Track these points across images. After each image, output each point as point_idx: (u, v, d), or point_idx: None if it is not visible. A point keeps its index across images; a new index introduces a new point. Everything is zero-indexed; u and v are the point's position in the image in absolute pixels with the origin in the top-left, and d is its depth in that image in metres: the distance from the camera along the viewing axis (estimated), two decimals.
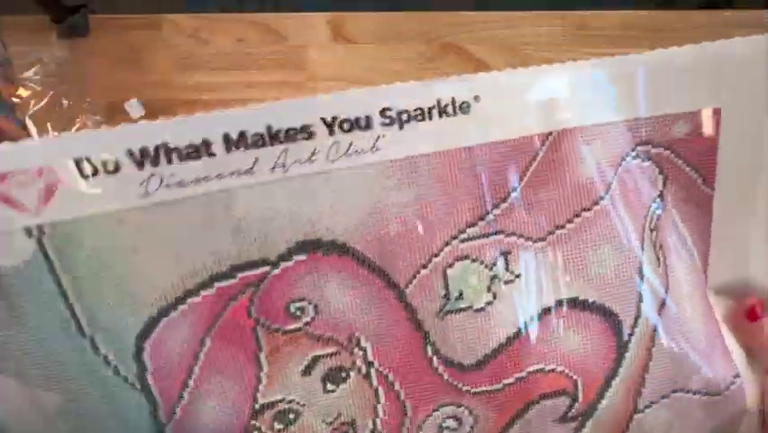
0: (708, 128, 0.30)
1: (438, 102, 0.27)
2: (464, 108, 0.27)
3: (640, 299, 0.29)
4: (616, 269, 0.29)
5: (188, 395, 0.26)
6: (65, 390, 0.25)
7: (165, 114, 0.42)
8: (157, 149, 0.24)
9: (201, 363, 0.26)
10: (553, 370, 0.29)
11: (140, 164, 0.23)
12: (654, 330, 0.29)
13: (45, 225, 0.23)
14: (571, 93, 0.29)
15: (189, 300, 0.25)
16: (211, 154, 0.24)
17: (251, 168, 0.25)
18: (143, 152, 0.24)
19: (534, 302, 0.28)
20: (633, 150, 0.30)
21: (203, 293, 0.25)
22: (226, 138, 0.24)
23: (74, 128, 0.41)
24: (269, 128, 0.25)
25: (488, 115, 0.28)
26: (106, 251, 0.24)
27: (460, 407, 0.28)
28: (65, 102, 0.41)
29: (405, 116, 0.26)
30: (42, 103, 0.41)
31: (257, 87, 0.42)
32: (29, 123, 0.40)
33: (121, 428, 0.27)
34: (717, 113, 0.30)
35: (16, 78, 0.41)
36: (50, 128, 0.40)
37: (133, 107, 0.41)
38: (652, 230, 0.30)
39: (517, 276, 0.28)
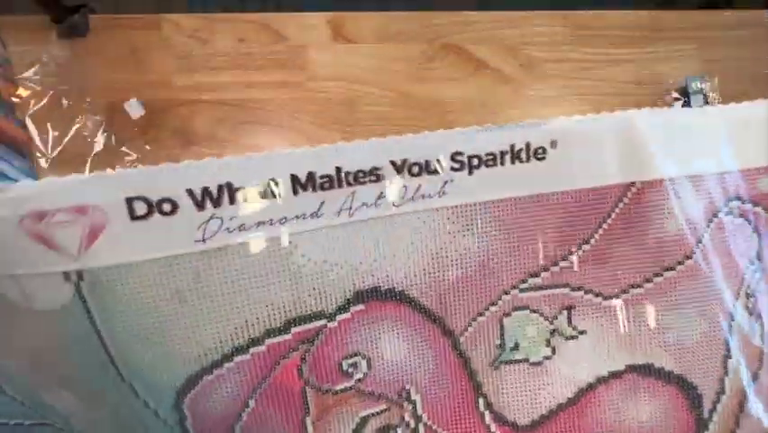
0: None
1: (512, 147, 0.25)
2: (539, 154, 0.26)
3: (726, 373, 0.26)
4: (700, 337, 0.26)
5: None
6: (107, 423, 0.24)
7: (165, 114, 0.42)
8: (220, 188, 0.21)
9: (243, 423, 0.23)
10: None
11: (200, 205, 0.21)
12: (740, 409, 0.27)
13: (84, 270, 0.20)
14: (657, 142, 0.27)
15: (237, 358, 0.22)
16: (275, 196, 0.22)
17: (317, 211, 0.23)
18: (206, 191, 0.21)
19: (599, 363, 0.26)
20: (725, 205, 0.27)
21: (252, 350, 0.22)
22: (294, 179, 0.22)
23: (74, 128, 0.41)
24: (338, 169, 0.23)
25: (564, 163, 0.26)
26: (150, 301, 0.21)
27: None
28: (65, 102, 0.41)
29: (475, 161, 0.25)
30: (42, 103, 0.41)
31: (257, 87, 0.42)
32: (29, 123, 0.40)
33: None
34: None
35: (16, 78, 0.41)
36: (49, 128, 0.40)
37: (133, 107, 0.41)
38: (749, 296, 0.27)
39: (581, 333, 0.26)
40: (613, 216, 0.26)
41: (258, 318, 0.22)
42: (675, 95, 0.40)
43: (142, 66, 0.42)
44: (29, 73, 0.41)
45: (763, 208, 0.28)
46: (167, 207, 0.21)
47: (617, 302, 0.26)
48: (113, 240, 0.21)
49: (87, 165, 0.40)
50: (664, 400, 0.26)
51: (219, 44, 0.43)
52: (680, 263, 0.26)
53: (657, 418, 0.26)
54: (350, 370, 0.24)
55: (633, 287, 0.26)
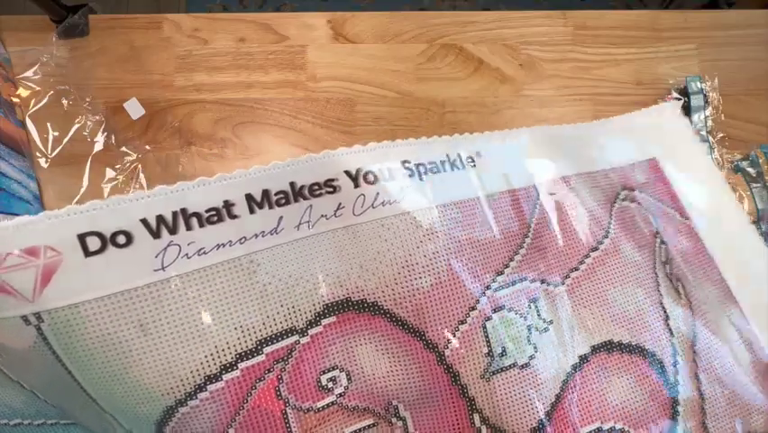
0: (654, 173, 0.33)
1: (447, 156, 0.28)
2: (471, 162, 0.28)
3: (671, 333, 0.28)
4: (639, 305, 0.28)
5: None
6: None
7: (165, 114, 0.42)
8: (175, 215, 0.21)
9: None
10: (612, 429, 0.26)
11: (155, 234, 0.21)
12: (694, 361, 0.28)
13: (43, 312, 0.20)
14: (558, 148, 0.31)
15: (211, 387, 0.22)
16: (233, 216, 0.22)
17: (276, 227, 0.23)
18: (160, 219, 0.21)
19: (570, 351, 0.27)
20: (618, 194, 0.32)
21: (226, 377, 0.22)
22: (249, 198, 0.23)
23: (74, 128, 0.41)
24: (292, 185, 0.23)
25: (491, 168, 0.29)
26: (113, 336, 0.21)
27: None
28: (65, 102, 0.41)
29: (423, 168, 0.26)
30: (42, 103, 0.41)
31: (257, 87, 0.42)
32: (29, 123, 0.40)
33: None
34: (653, 161, 0.34)
35: (16, 78, 0.41)
36: (49, 128, 0.40)
37: (133, 107, 0.41)
38: (664, 263, 0.30)
39: (550, 323, 0.27)
40: (537, 211, 0.29)
41: (228, 343, 0.22)
42: (675, 95, 0.40)
43: (142, 66, 0.42)
44: (29, 73, 0.41)
45: (646, 194, 0.32)
46: (121, 239, 0.21)
47: (564, 287, 0.28)
48: (69, 279, 0.20)
49: (87, 165, 0.40)
50: (634, 372, 0.27)
51: (219, 44, 0.43)
52: (600, 243, 0.29)
53: (634, 391, 0.27)
54: (329, 384, 0.24)
55: (572, 270, 0.28)
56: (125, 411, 0.22)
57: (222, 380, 0.22)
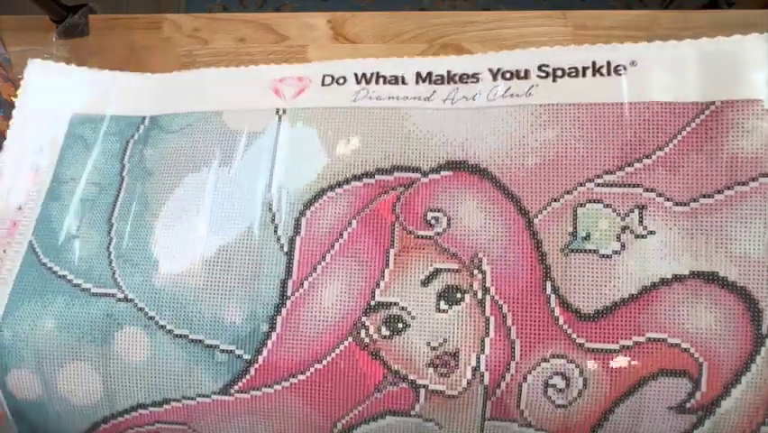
0: None
1: (593, 63, 0.30)
2: (619, 71, 0.30)
3: None
4: (764, 252, 0.27)
5: (321, 270, 0.29)
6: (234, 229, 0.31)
7: None
8: (372, 74, 0.33)
9: (343, 241, 0.30)
10: (677, 345, 0.27)
11: (358, 82, 0.33)
12: None
13: (288, 109, 0.32)
14: (741, 66, 0.28)
15: (353, 183, 0.30)
16: (404, 83, 0.32)
17: (429, 96, 0.32)
18: (363, 75, 0.33)
19: (664, 265, 0.27)
20: None
21: (365, 180, 0.30)
22: (417, 75, 0.32)
23: None
24: (448, 72, 0.32)
25: (644, 78, 0.29)
26: (315, 133, 0.32)
27: (571, 363, 0.27)
28: None
29: (559, 72, 0.30)
30: None
31: None
32: None
33: (249, 292, 0.30)
34: None
35: (16, 78, 0.41)
36: None
37: None
38: None
39: (651, 233, 0.27)
40: (688, 129, 0.28)
41: (374, 159, 0.31)
42: None
43: (142, 66, 0.42)
44: None
45: None
46: (341, 81, 0.33)
47: (687, 209, 0.27)
48: (310, 95, 0.33)
49: None
50: (725, 309, 0.27)
51: (219, 44, 0.43)
52: (753, 180, 0.27)
53: (716, 326, 0.27)
54: (432, 221, 0.29)
55: (703, 196, 0.27)
56: (288, 188, 0.31)
57: (361, 181, 0.30)
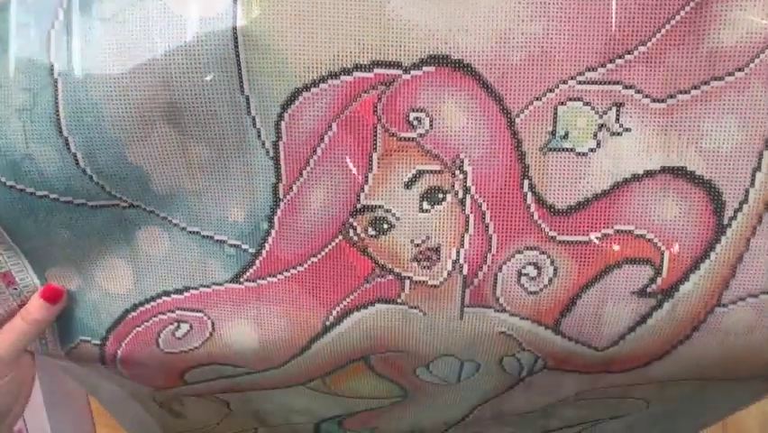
0: None
1: None
2: None
3: (752, 184, 0.28)
4: (734, 147, 0.28)
5: (307, 175, 0.30)
6: (212, 143, 0.29)
7: None
8: None
9: (324, 146, 0.29)
10: (642, 236, 0.29)
11: None
12: (759, 221, 0.28)
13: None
14: None
15: (331, 82, 0.28)
16: None
17: None
18: None
19: (637, 161, 0.28)
20: None
21: (343, 78, 0.28)
22: None
23: None
24: None
25: None
26: (279, 20, 0.27)
27: (543, 254, 0.30)
28: None
29: None
30: None
31: None
32: None
33: (246, 194, 0.31)
34: None
35: None
36: None
37: None
38: None
39: (626, 130, 0.28)
40: (672, 22, 0.27)
41: (350, 52, 0.27)
42: None
43: None
44: None
45: None
46: None
47: (663, 106, 0.28)
48: None
49: None
50: (690, 202, 0.29)
51: None
52: (729, 75, 0.27)
53: (680, 218, 0.29)
54: (414, 122, 0.29)
55: (680, 92, 0.28)
56: (262, 91, 0.28)
57: (339, 79, 0.28)
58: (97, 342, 0.34)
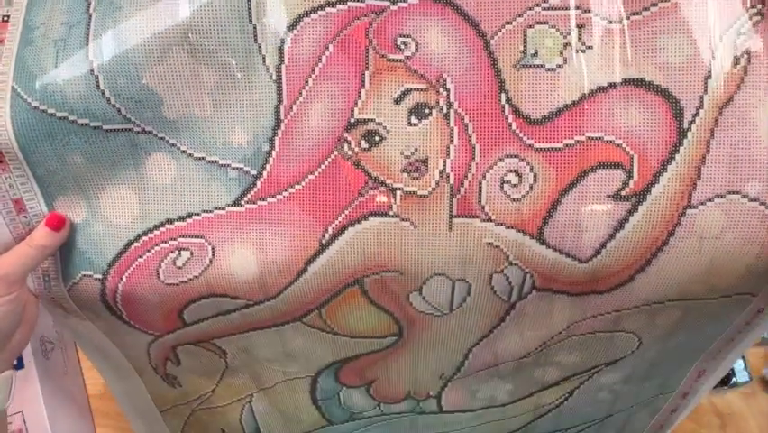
0: None
1: None
2: None
3: (705, 91, 0.31)
4: (687, 59, 0.31)
5: (306, 94, 0.33)
6: (221, 69, 0.33)
7: None
8: None
9: (322, 65, 0.33)
10: (611, 141, 0.32)
11: None
12: (715, 124, 0.31)
13: None
14: None
15: (328, 9, 0.32)
16: None
17: None
18: None
19: (600, 75, 0.32)
20: None
21: (339, 7, 0.32)
22: None
23: None
24: None
25: None
26: None
27: (522, 161, 0.32)
28: None
29: None
30: None
31: None
32: None
33: (250, 117, 0.34)
34: None
35: None
36: None
37: None
38: (740, 34, 0.31)
39: (589, 48, 0.32)
40: None
41: None
42: None
43: None
44: None
45: None
46: None
47: (620, 26, 0.32)
48: None
49: None
50: (652, 109, 0.32)
51: None
52: None
53: (644, 124, 0.32)
54: (401, 46, 0.33)
55: (633, 14, 0.32)
56: (268, 19, 0.32)
57: (335, 7, 0.33)
58: (99, 276, 0.36)
